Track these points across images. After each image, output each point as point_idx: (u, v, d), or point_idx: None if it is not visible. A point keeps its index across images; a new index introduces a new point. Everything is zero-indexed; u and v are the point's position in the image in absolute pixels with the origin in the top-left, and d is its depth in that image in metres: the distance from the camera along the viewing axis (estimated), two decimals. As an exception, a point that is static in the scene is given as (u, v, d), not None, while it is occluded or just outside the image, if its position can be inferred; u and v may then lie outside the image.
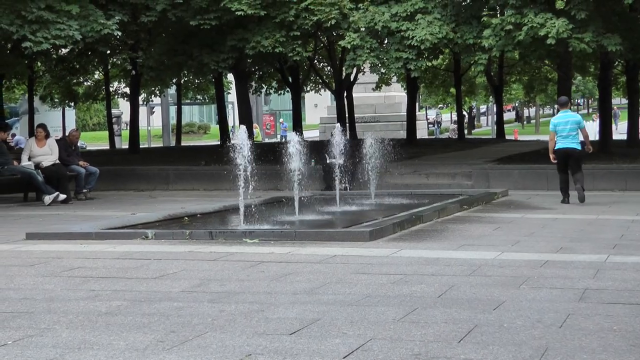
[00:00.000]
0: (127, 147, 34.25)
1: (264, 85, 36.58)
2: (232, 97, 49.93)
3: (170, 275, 8.39)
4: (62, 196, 17.59)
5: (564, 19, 18.29)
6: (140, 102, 37.55)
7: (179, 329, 6.07)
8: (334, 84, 31.44)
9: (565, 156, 16.12)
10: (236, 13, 20.89)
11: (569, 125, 16.11)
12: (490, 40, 19.16)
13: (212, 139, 56.83)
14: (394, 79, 35.95)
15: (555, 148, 16.18)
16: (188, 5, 21.51)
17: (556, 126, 16.20)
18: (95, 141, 58.29)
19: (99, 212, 15.87)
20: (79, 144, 21.33)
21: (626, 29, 19.84)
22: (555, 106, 40.51)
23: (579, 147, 16.19)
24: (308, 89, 39.37)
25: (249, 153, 12.39)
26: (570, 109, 17.10)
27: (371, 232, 10.84)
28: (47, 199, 17.40)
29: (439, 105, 73.55)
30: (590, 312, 6.40)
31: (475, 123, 78.27)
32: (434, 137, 59.27)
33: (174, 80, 36.31)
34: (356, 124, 33.77)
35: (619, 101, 68.33)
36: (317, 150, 19.82)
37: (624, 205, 15.35)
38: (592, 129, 44.01)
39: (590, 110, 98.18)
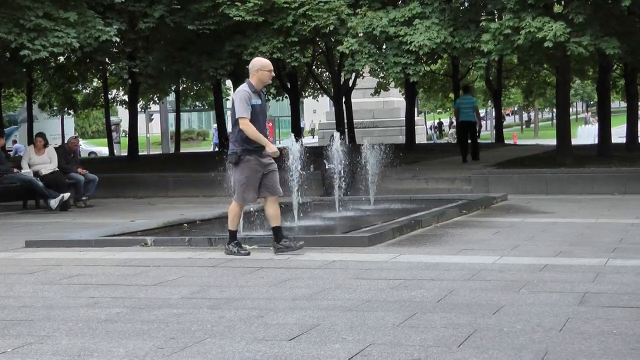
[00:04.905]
0: (125, 154, 34.27)
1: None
2: (230, 103, 49.92)
3: (170, 282, 8.38)
4: (67, 194, 17.63)
5: (562, 23, 18.29)
6: (139, 110, 37.58)
7: (178, 335, 6.07)
8: (332, 90, 31.42)
9: (466, 126, 23.76)
10: (234, 19, 20.90)
11: (468, 106, 23.82)
12: (489, 45, 19.16)
13: (211, 146, 56.80)
14: (392, 84, 35.96)
15: (460, 120, 23.97)
16: (186, 11, 21.53)
17: (459, 105, 24.32)
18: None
19: (98, 219, 15.87)
20: (79, 150, 21.36)
21: (624, 32, 19.81)
22: (553, 108, 40.53)
23: (474, 120, 23.85)
24: (306, 94, 39.39)
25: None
26: (469, 94, 25.38)
27: (370, 237, 10.83)
28: (54, 202, 17.42)
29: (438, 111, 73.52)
30: (590, 316, 6.39)
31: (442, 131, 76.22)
32: (432, 142, 59.30)
33: (172, 88, 36.32)
34: (355, 130, 33.75)
35: (617, 105, 68.32)
36: (316, 155, 19.80)
37: (624, 209, 15.33)
38: (591, 132, 44.15)
39: (589, 114, 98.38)
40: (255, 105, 10.01)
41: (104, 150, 43.95)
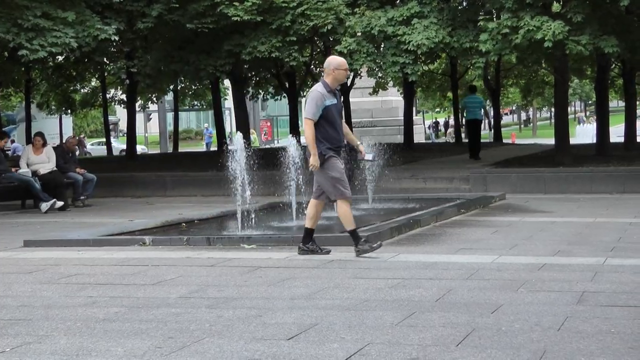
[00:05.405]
0: (124, 153, 34.25)
1: (260, 91, 36.54)
2: (229, 103, 49.93)
3: (168, 282, 8.38)
4: (59, 203, 17.60)
5: (560, 22, 18.29)
6: (137, 109, 37.54)
7: (177, 335, 6.07)
8: (330, 89, 31.35)
9: (473, 123, 24.77)
10: (232, 19, 20.88)
11: (476, 104, 24.77)
12: (487, 44, 19.14)
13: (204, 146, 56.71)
14: (391, 83, 35.93)
15: (467, 118, 25.01)
16: (184, 10, 21.52)
17: (466, 103, 25.07)
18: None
19: (96, 218, 15.86)
20: (82, 149, 21.36)
21: (623, 31, 19.82)
22: (552, 108, 40.56)
23: (481, 118, 25.02)
24: (305, 94, 39.32)
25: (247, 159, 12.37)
26: (475, 94, 26.56)
27: (369, 236, 10.81)
28: (44, 206, 17.41)
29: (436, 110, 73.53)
30: (589, 315, 6.39)
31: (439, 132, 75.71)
32: (430, 141, 59.30)
33: (171, 87, 36.28)
34: (353, 129, 33.70)
35: (616, 104, 68.34)
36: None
37: (622, 208, 15.34)
38: (589, 131, 44.11)
39: (588, 113, 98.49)
40: (330, 106, 9.69)
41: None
